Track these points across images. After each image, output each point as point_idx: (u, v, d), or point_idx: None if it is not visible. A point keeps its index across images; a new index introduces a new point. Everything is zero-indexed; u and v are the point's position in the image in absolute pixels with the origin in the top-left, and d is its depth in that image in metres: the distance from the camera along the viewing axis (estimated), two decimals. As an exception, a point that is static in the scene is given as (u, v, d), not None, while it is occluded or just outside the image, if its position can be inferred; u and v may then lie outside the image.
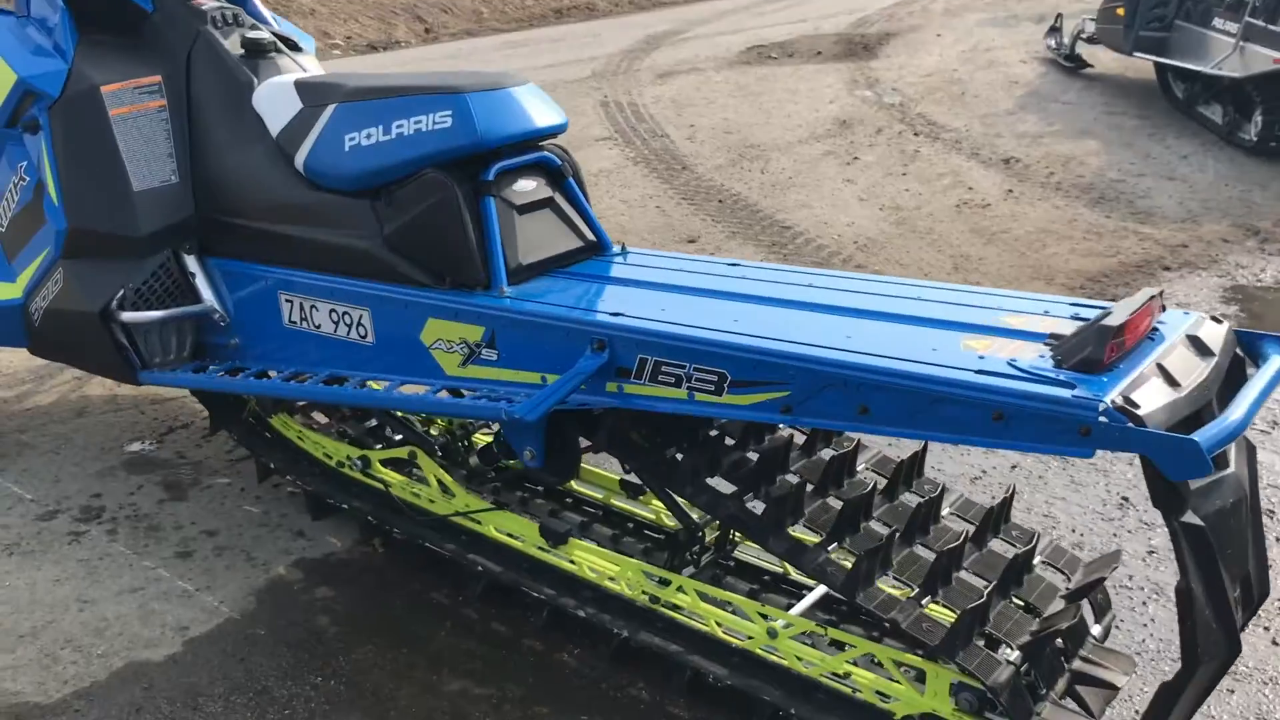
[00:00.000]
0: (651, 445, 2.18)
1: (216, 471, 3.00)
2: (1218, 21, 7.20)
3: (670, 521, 2.56)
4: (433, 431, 2.80)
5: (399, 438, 2.82)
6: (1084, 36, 9.22)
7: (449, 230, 2.25)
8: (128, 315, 2.60)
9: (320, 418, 2.97)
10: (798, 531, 2.06)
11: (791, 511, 2.03)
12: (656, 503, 2.57)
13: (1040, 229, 5.30)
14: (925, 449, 2.28)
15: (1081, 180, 6.16)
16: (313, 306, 2.49)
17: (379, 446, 2.78)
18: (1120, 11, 8.16)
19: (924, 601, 1.94)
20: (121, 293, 2.59)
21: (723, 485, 2.13)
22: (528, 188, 2.35)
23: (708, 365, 1.91)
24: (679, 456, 2.18)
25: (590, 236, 2.46)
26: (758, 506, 2.08)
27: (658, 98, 7.95)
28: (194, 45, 2.69)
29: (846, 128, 7.25)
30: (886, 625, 1.96)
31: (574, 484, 2.70)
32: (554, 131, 2.36)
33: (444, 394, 2.28)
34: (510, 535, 2.47)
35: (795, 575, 2.40)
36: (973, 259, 4.85)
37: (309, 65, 2.78)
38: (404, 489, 2.62)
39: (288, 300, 2.54)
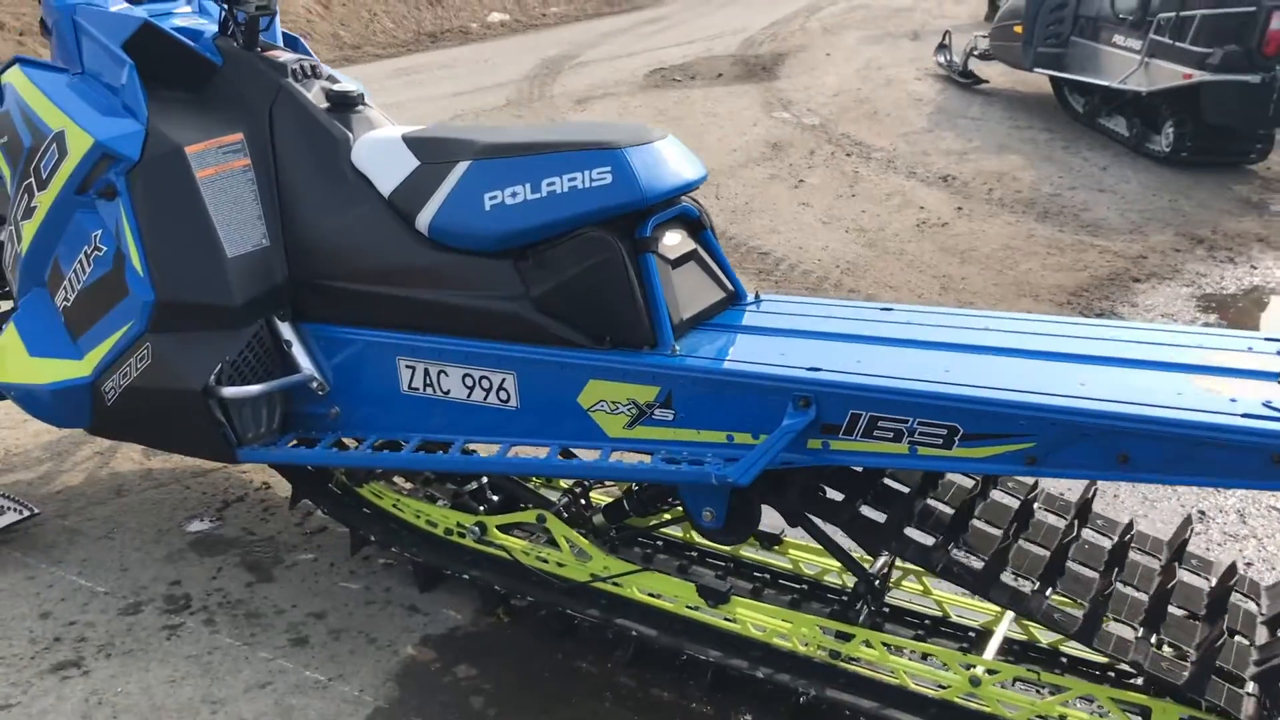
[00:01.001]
0: (846, 501, 2.15)
1: (295, 547, 2.83)
2: (1117, 38, 7.59)
3: (808, 571, 2.53)
4: (546, 492, 2.71)
5: (493, 499, 2.72)
6: (976, 53, 9.60)
7: (612, 290, 2.18)
8: (229, 391, 2.43)
9: (403, 483, 2.84)
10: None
11: (1008, 560, 2.03)
12: (795, 553, 2.54)
13: (1004, 245, 5.47)
14: (1095, 486, 2.31)
15: (1020, 195, 6.39)
16: (441, 372, 2.37)
17: (482, 510, 2.67)
18: (1018, 29, 8.53)
19: (1152, 639, 1.97)
20: (220, 367, 2.42)
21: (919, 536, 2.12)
22: (674, 241, 2.30)
23: (936, 419, 1.89)
24: (868, 510, 2.16)
25: (729, 286, 2.42)
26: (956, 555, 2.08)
27: (584, 124, 7.90)
28: (275, 100, 2.54)
29: (779, 150, 7.35)
30: (1108, 667, 1.98)
31: (695, 537, 2.65)
32: (699, 183, 2.31)
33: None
34: (653, 595, 2.40)
35: (956, 619, 2.40)
36: (955, 279, 4.97)
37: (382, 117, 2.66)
38: (529, 554, 2.52)
39: (409, 366, 2.41)
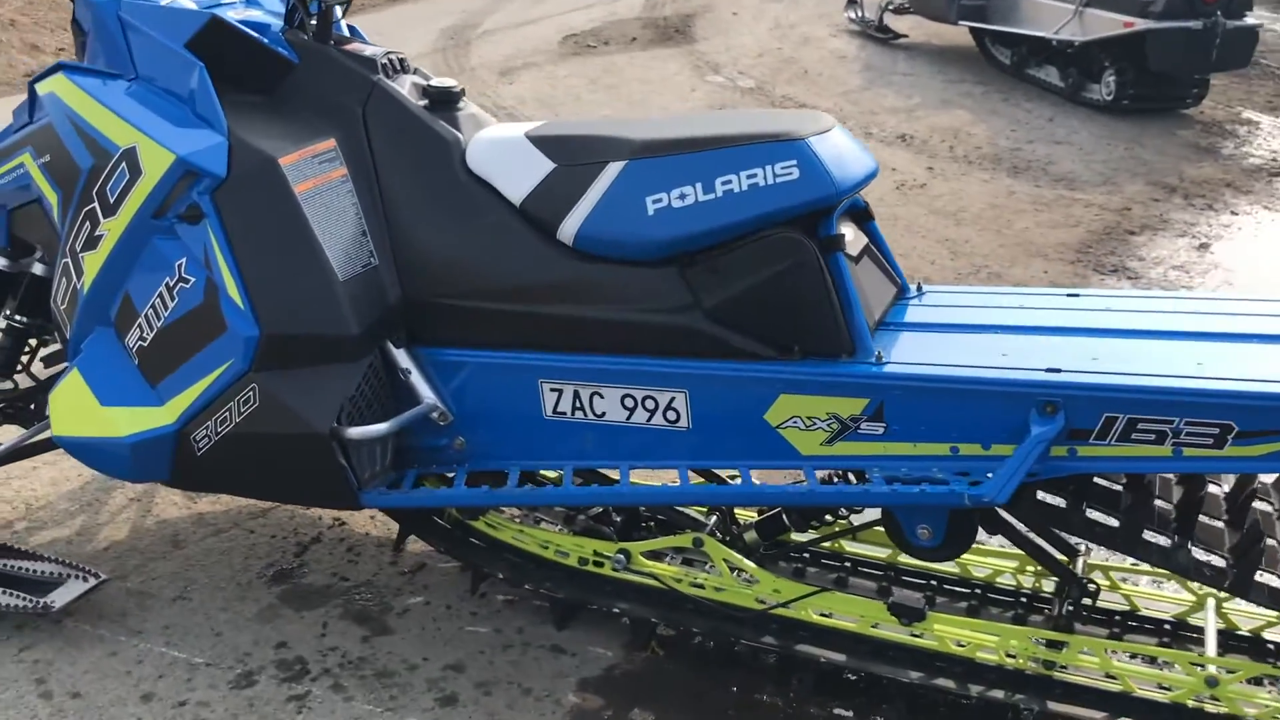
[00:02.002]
0: (1072, 506, 2.01)
1: (400, 591, 2.57)
2: (1046, -12, 7.64)
3: (978, 574, 2.40)
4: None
5: (619, 520, 2.51)
6: (891, 7, 9.60)
7: (806, 296, 1.99)
8: (354, 432, 2.16)
9: (511, 511, 2.60)
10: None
11: (1262, 559, 1.93)
12: (974, 556, 2.40)
13: (989, 205, 5.43)
14: None
15: (983, 151, 6.36)
16: (595, 394, 2.15)
17: (612, 533, 2.46)
18: (940, -18, 8.53)
19: None
20: (342, 405, 2.15)
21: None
22: (850, 236, 2.12)
23: (1208, 418, 1.77)
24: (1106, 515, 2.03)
25: (898, 280, 2.26)
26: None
27: (520, 98, 7.60)
28: (369, 100, 2.27)
29: (728, 116, 7.19)
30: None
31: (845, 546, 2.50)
32: (876, 173, 2.14)
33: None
34: (826, 615, 2.24)
35: (1145, 612, 2.30)
36: (959, 242, 4.90)
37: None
38: (682, 581, 2.32)
39: (554, 389, 2.18)
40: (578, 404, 2.18)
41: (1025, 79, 8.00)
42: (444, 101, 2.31)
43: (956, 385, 1.91)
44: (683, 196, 2.02)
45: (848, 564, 2.48)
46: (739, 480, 2.12)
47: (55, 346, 2.75)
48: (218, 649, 2.37)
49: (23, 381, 2.74)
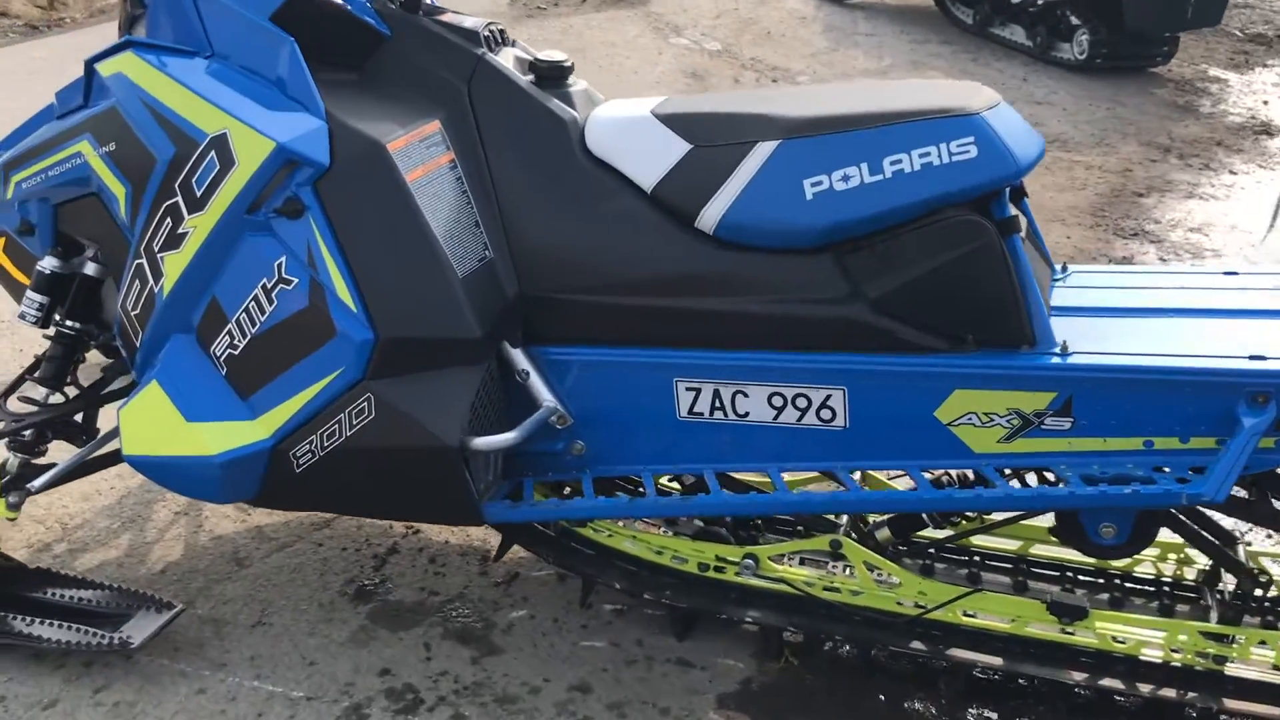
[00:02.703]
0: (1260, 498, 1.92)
1: (498, 605, 2.39)
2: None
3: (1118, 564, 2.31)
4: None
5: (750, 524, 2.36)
6: (846, -34, 9.48)
7: (985, 282, 1.85)
8: (480, 442, 1.98)
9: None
10: None
11: None
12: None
13: (990, 168, 5.35)
14: None
15: (968, 113, 6.28)
16: (738, 393, 2.00)
17: (731, 537, 2.31)
18: (901, -59, 8.43)
19: None
20: (468, 415, 1.96)
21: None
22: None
23: None
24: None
25: (1050, 262, 2.14)
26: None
27: (483, 64, 7.31)
28: (474, 77, 2.07)
29: (702, 80, 7.02)
30: None
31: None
32: (1044, 151, 2.00)
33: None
34: (968, 615, 2.13)
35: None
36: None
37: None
38: (814, 586, 2.19)
39: (690, 388, 2.02)
40: (717, 404, 2.02)
41: (990, 38, 7.96)
42: (553, 77, 2.11)
43: (1156, 375, 1.79)
44: (846, 178, 1.86)
45: (976, 558, 2.37)
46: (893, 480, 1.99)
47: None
48: (316, 680, 2.17)
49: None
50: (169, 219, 1.98)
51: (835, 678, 2.19)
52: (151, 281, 2.03)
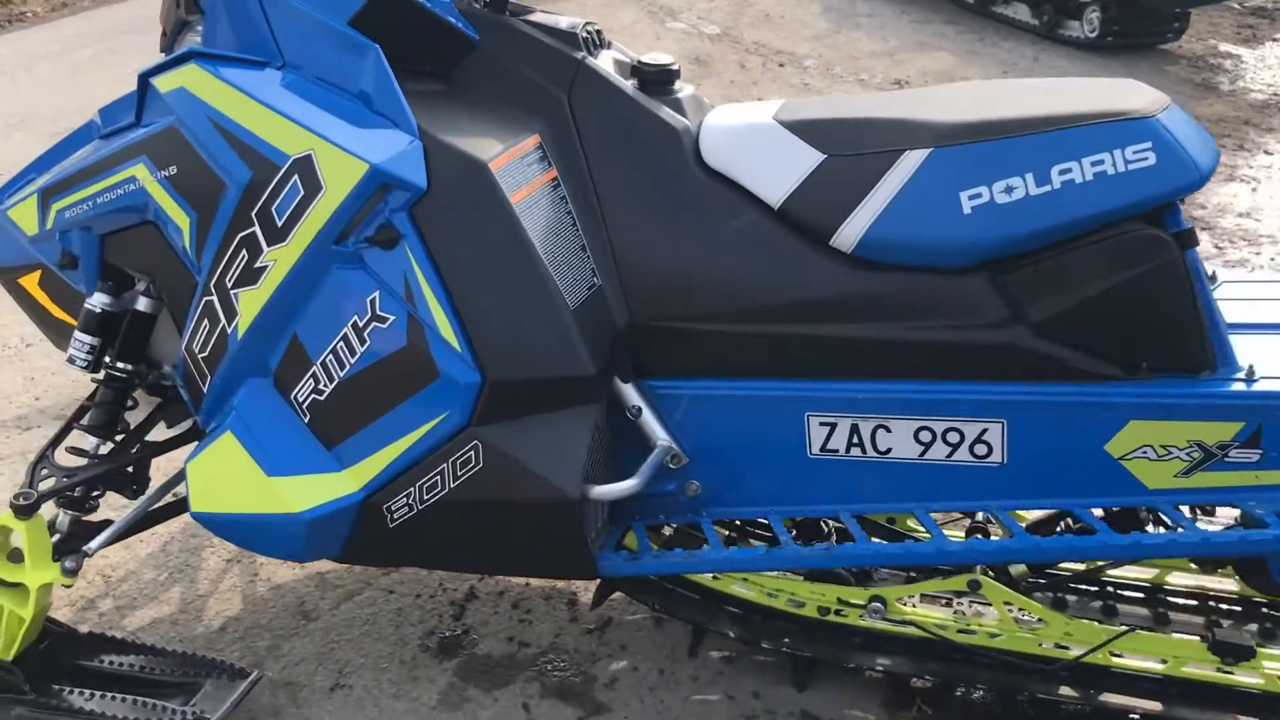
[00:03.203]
0: None
1: (596, 656, 2.20)
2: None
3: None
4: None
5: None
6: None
7: (1167, 302, 1.68)
8: (600, 490, 1.79)
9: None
10: None
11: None
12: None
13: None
14: None
15: (986, 95, 6.11)
16: (880, 427, 1.81)
17: (851, 577, 2.13)
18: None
19: None
20: (586, 461, 1.77)
21: None
22: None
23: None
24: None
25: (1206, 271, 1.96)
26: None
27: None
28: (574, 84, 1.86)
29: (708, 65, 6.81)
30: None
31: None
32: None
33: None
34: (1115, 655, 1.96)
35: None
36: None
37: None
38: (947, 629, 2.01)
39: (824, 423, 1.83)
40: (855, 440, 1.83)
41: (993, 17, 7.78)
42: (659, 81, 1.91)
43: (1360, 404, 1.62)
44: (1009, 190, 1.67)
45: (1109, 588, 2.20)
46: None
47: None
48: (414, 751, 1.98)
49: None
50: (244, 251, 1.76)
51: (973, 727, 2.02)
52: (224, 321, 1.81)
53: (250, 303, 1.78)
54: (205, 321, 1.84)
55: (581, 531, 1.78)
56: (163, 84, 1.82)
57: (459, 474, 1.78)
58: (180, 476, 2.14)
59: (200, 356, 1.87)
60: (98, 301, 2.01)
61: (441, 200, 1.70)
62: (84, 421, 2.08)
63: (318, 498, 1.81)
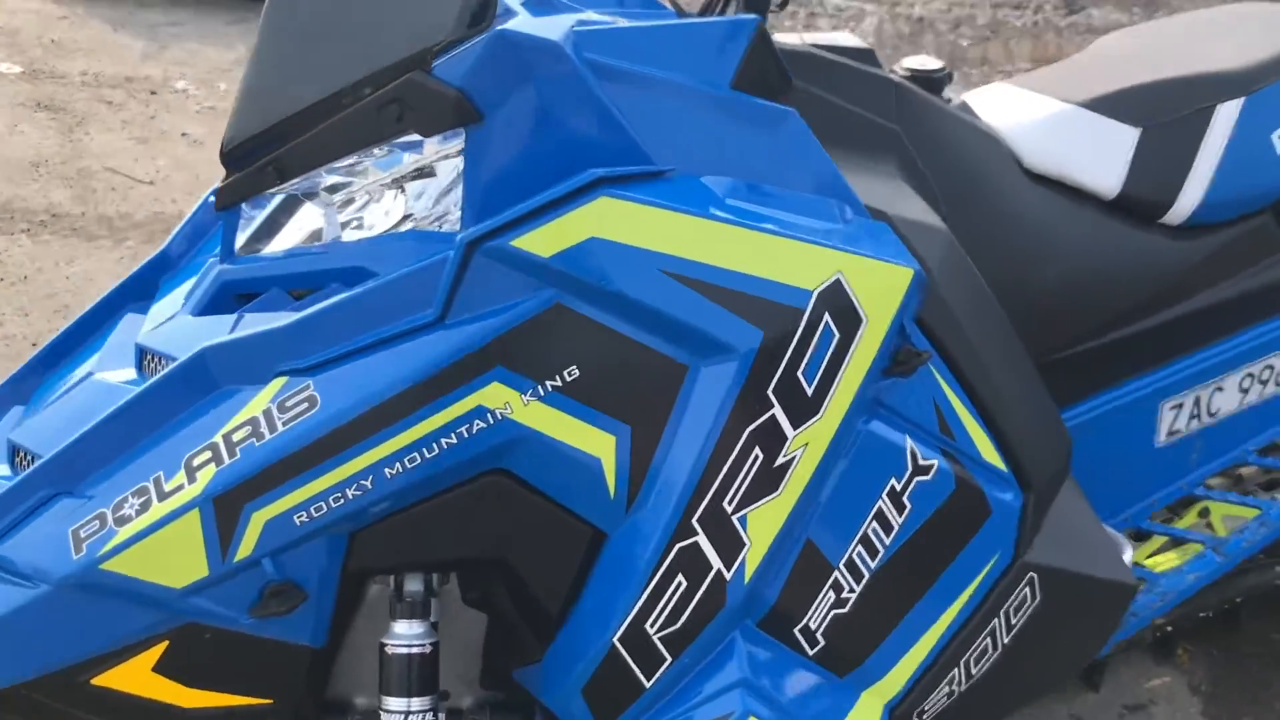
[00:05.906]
0: None
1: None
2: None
3: None
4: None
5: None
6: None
7: None
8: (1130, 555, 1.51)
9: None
10: None
11: None
12: None
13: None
14: None
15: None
16: (1216, 389, 1.76)
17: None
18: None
19: None
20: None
21: None
22: None
23: None
24: None
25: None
26: None
27: None
28: (899, 111, 1.49)
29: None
30: None
31: None
32: None
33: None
34: None
35: None
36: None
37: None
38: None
39: (1173, 406, 1.74)
40: (1195, 413, 1.76)
41: None
42: (933, 85, 1.60)
43: None
44: (1314, 122, 1.70)
45: None
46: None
47: None
48: None
49: None
50: (757, 451, 1.13)
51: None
52: (719, 566, 1.16)
53: (767, 522, 1.16)
54: (679, 581, 1.16)
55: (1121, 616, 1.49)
56: (532, 243, 1.06)
57: (1013, 620, 1.37)
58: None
59: (660, 635, 1.18)
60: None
61: (939, 289, 1.26)
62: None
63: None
